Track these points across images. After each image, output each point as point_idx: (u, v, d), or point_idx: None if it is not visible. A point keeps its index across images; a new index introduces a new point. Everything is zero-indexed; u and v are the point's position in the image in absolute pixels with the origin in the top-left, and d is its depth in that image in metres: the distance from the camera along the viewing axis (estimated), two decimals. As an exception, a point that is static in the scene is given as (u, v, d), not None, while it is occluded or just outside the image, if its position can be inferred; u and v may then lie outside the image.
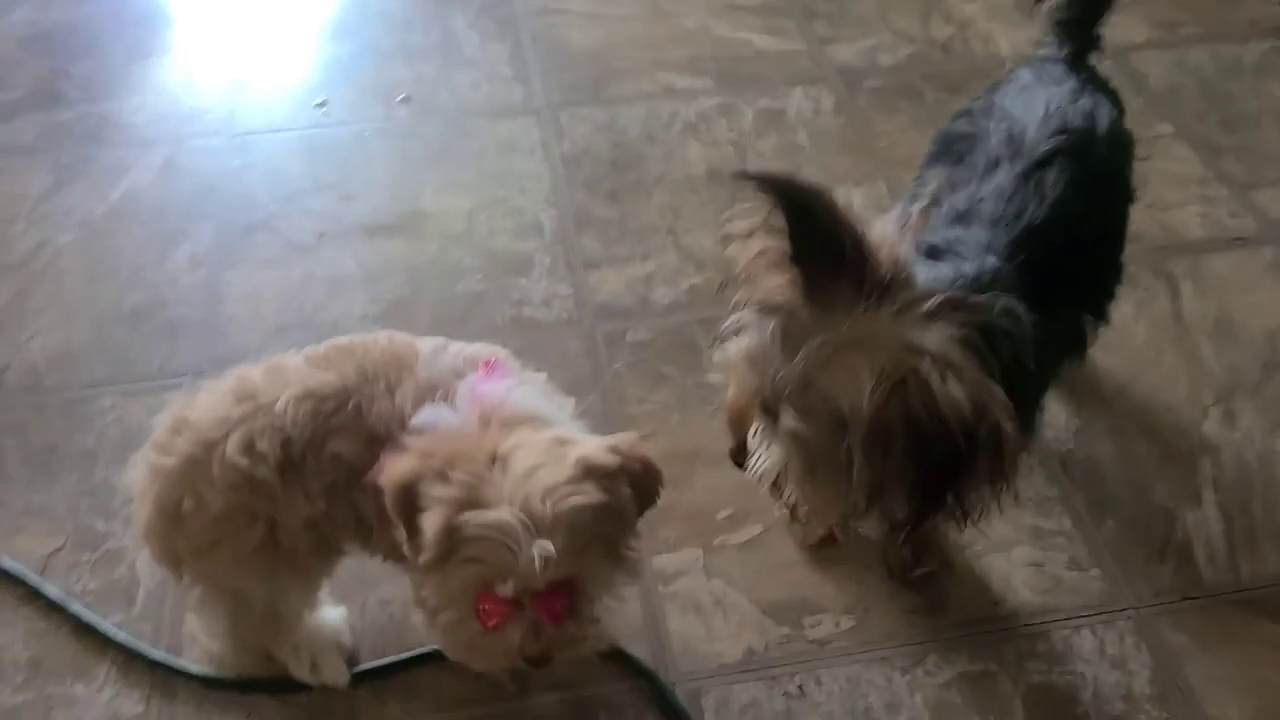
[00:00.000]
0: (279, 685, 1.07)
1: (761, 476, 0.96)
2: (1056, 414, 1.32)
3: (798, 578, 1.18)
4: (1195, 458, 1.29)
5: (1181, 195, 1.63)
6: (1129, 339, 1.41)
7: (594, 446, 0.85)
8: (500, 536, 0.79)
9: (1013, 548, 1.20)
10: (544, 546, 0.78)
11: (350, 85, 1.83)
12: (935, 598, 1.16)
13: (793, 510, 1.12)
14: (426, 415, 0.88)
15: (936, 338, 0.84)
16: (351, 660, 1.09)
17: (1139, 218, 1.54)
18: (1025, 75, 1.16)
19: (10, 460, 1.27)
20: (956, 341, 0.84)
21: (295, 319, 1.44)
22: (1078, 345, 1.12)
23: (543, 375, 1.01)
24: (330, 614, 1.09)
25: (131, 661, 1.09)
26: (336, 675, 1.06)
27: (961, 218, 1.02)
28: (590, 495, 0.81)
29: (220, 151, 1.69)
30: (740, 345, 0.92)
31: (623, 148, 1.72)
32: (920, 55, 1.90)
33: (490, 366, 0.93)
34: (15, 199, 1.59)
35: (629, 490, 0.85)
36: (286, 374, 0.93)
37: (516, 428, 0.86)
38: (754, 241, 0.89)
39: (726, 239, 0.88)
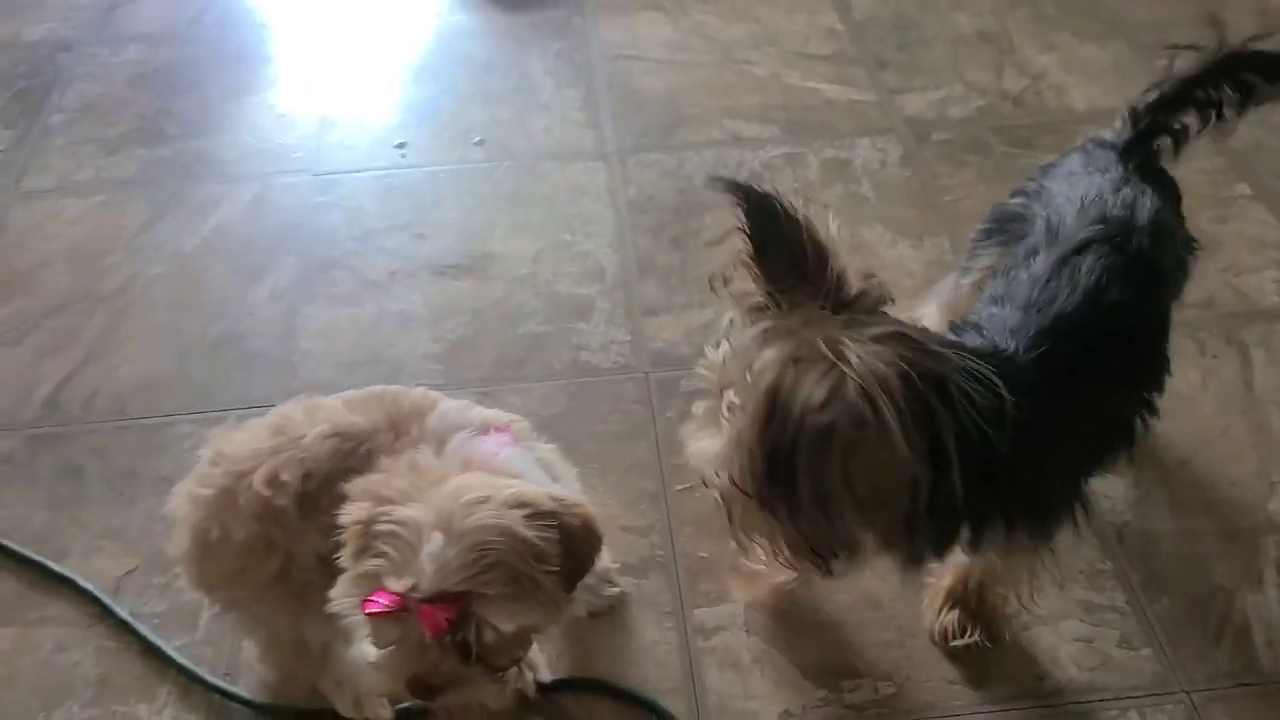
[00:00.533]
0: (326, 717, 1.11)
1: (693, 457, 0.91)
2: (1113, 484, 1.29)
3: (839, 639, 1.18)
4: (1258, 536, 1.25)
5: (1258, 259, 1.58)
6: (1195, 408, 1.38)
7: (536, 490, 0.88)
8: (405, 532, 0.83)
9: (1061, 621, 1.18)
10: (438, 545, 0.81)
11: (429, 127, 1.91)
12: (978, 669, 1.15)
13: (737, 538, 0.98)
14: (411, 458, 0.92)
15: (868, 350, 0.78)
16: (395, 698, 1.12)
17: (1212, 282, 1.53)
18: (1074, 161, 1.15)
19: (92, 483, 1.35)
20: (888, 365, 0.78)
21: (365, 355, 1.50)
22: (1118, 436, 1.07)
23: (553, 447, 1.03)
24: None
25: (191, 685, 1.15)
26: (379, 712, 1.10)
27: (998, 300, 1.01)
28: (507, 520, 0.84)
29: (305, 189, 1.77)
30: (725, 346, 0.90)
31: (688, 194, 1.75)
32: (991, 108, 1.89)
33: (499, 430, 0.96)
34: (114, 231, 1.69)
35: (558, 537, 0.86)
36: (321, 412, 0.99)
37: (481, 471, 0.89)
38: (731, 242, 0.88)
39: (710, 243, 0.87)
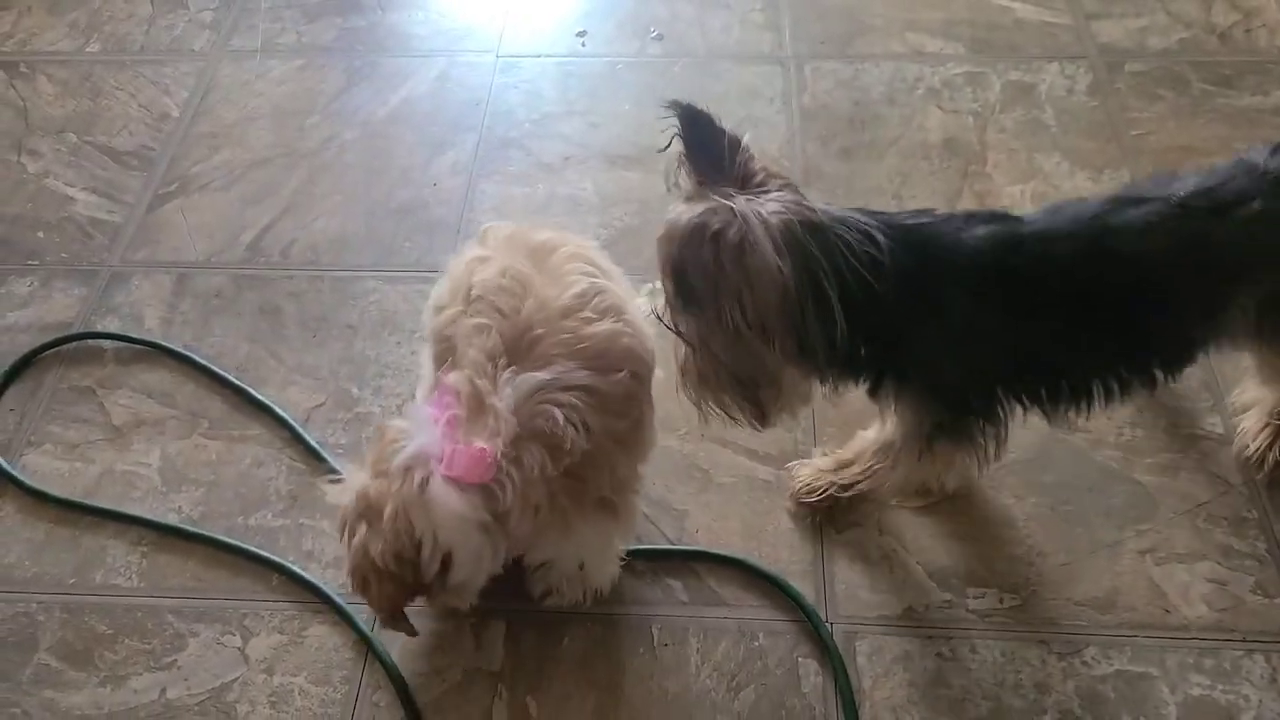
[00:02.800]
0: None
1: (653, 309, 1.05)
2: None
3: (969, 550, 1.22)
4: None
5: None
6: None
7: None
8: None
9: (1197, 561, 1.19)
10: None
11: (609, 19, 1.94)
12: (1107, 594, 1.17)
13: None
14: None
15: (757, 201, 0.94)
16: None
17: None
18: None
19: (289, 323, 1.48)
20: (771, 209, 0.93)
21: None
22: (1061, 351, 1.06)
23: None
24: None
25: (369, 509, 1.28)
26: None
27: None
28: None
29: (488, 69, 1.84)
30: None
31: (862, 106, 1.74)
32: (1194, 41, 1.80)
33: None
34: (313, 94, 1.81)
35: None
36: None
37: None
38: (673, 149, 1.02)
39: (660, 150, 1.02)
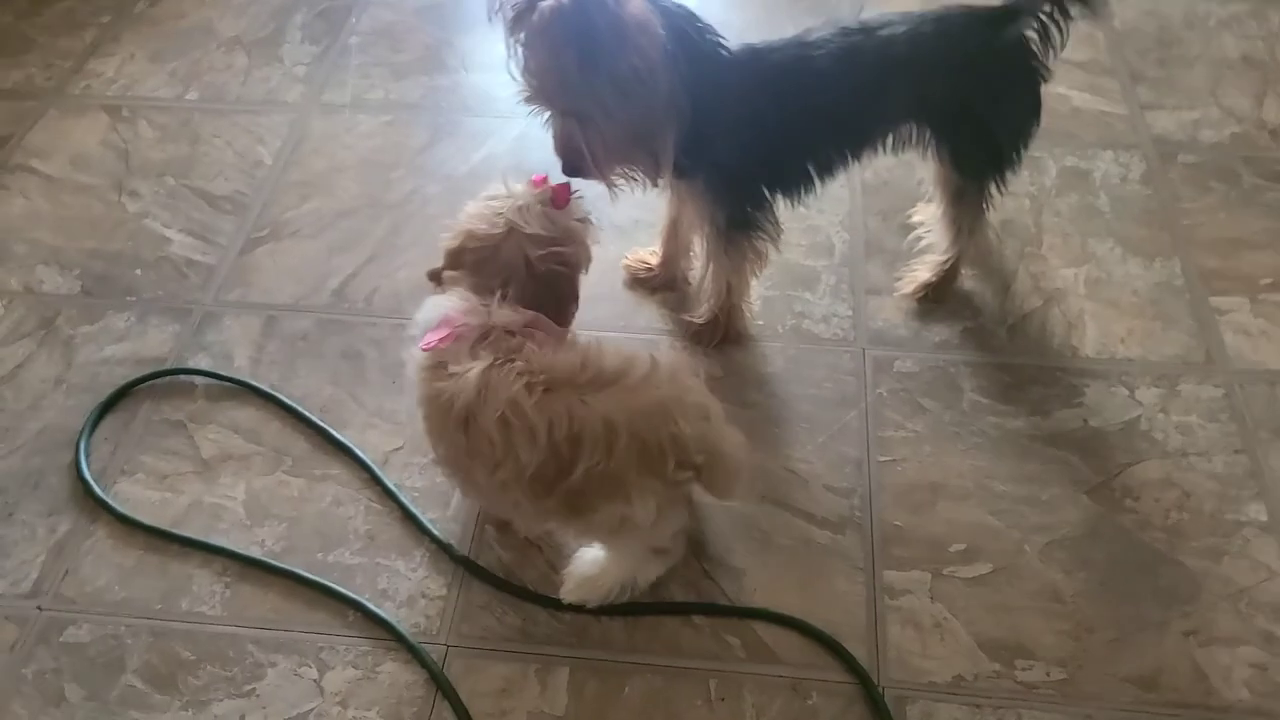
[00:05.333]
0: (554, 602, 1.28)
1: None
2: (1317, 529, 1.32)
3: (1017, 622, 1.26)
4: None
5: None
6: None
7: None
8: None
9: (1239, 645, 1.23)
10: None
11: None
12: (1151, 672, 1.21)
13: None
14: None
15: None
16: (611, 592, 1.27)
17: None
18: None
19: (371, 368, 1.56)
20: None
21: (605, 291, 1.64)
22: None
23: None
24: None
25: (440, 553, 1.34)
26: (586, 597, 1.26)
27: None
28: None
29: (562, 132, 1.93)
30: None
31: (923, 184, 1.80)
32: (1245, 136, 1.86)
33: None
34: (399, 148, 1.90)
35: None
36: None
37: None
38: None
39: None
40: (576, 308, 1.32)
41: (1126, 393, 1.49)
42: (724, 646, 1.25)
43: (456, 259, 1.25)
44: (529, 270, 1.22)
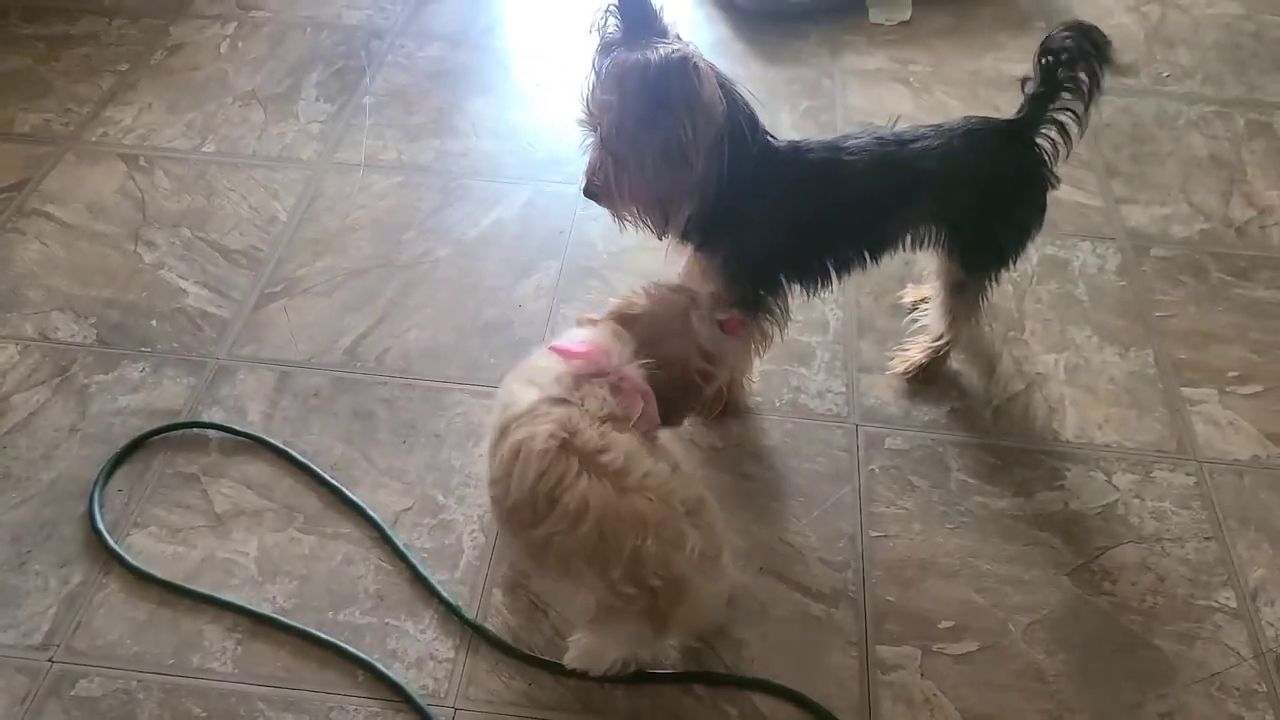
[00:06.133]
0: (558, 667, 1.32)
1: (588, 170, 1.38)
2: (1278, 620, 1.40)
3: (1003, 700, 1.33)
4: None
5: None
6: (1373, 563, 1.46)
7: None
8: None
9: (1211, 729, 1.31)
10: None
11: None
12: (1127, 753, 1.28)
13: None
14: None
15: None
16: (616, 664, 1.32)
17: None
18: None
19: (382, 427, 1.60)
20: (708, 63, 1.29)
21: (608, 360, 1.71)
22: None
23: None
24: None
25: (449, 614, 1.38)
26: (590, 666, 1.30)
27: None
28: None
29: (571, 200, 2.00)
30: None
31: (910, 266, 1.89)
32: (1213, 234, 1.98)
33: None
34: (410, 209, 1.96)
35: None
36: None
37: None
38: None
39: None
40: (684, 418, 1.41)
41: (1104, 477, 1.58)
42: (722, 716, 1.30)
43: (628, 322, 1.32)
44: (681, 369, 1.32)
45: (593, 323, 1.34)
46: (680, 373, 1.32)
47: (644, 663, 1.31)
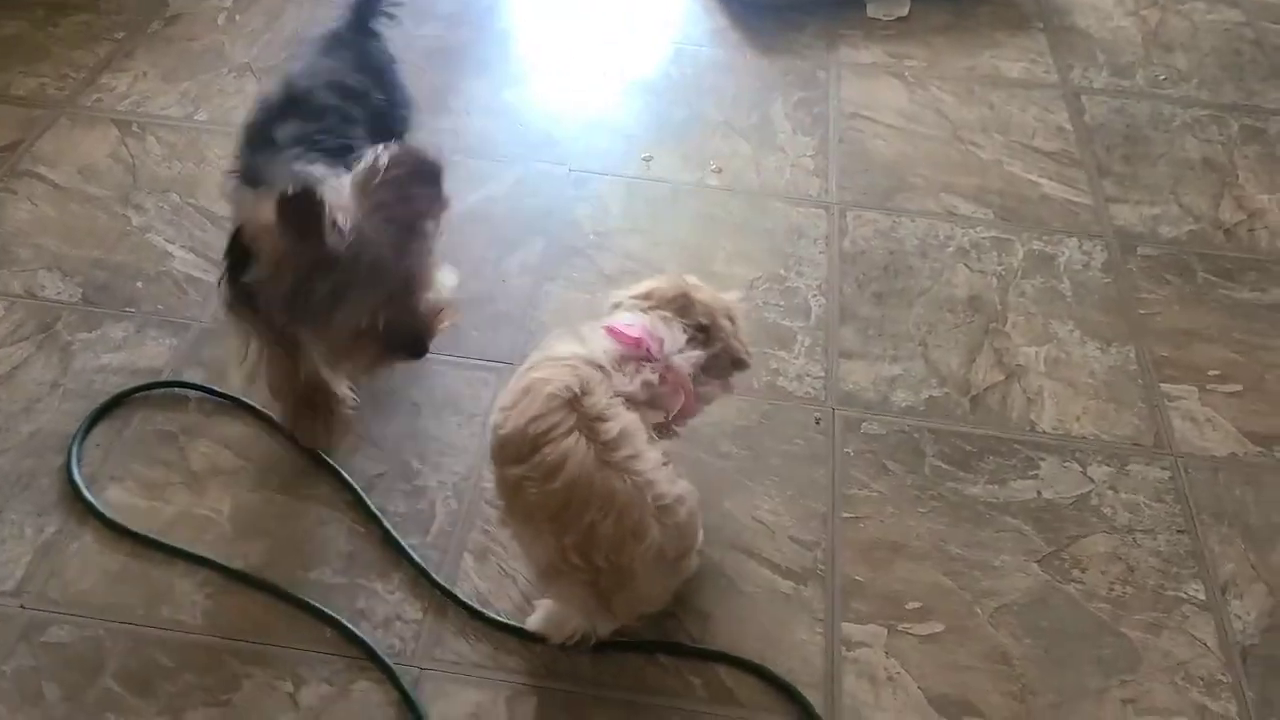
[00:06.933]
0: (524, 633, 1.33)
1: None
2: (1249, 607, 1.40)
3: (966, 681, 1.33)
4: (1380, 690, 1.33)
5: None
6: (1343, 560, 1.46)
7: None
8: None
9: (1174, 716, 1.30)
10: None
11: (674, 148, 2.12)
12: (1087, 737, 1.28)
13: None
14: None
15: None
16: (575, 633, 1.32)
17: None
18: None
19: (360, 393, 1.60)
20: None
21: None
22: None
23: None
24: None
25: (418, 577, 1.39)
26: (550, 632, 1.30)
27: None
28: None
29: (560, 180, 2.01)
30: None
31: (897, 256, 1.91)
32: (1201, 234, 1.98)
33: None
34: (400, 185, 1.97)
35: None
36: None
37: None
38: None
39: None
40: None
41: (1080, 468, 1.58)
42: (686, 686, 1.30)
43: (684, 310, 1.34)
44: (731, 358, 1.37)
45: (646, 308, 1.34)
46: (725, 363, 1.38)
47: (602, 636, 1.31)
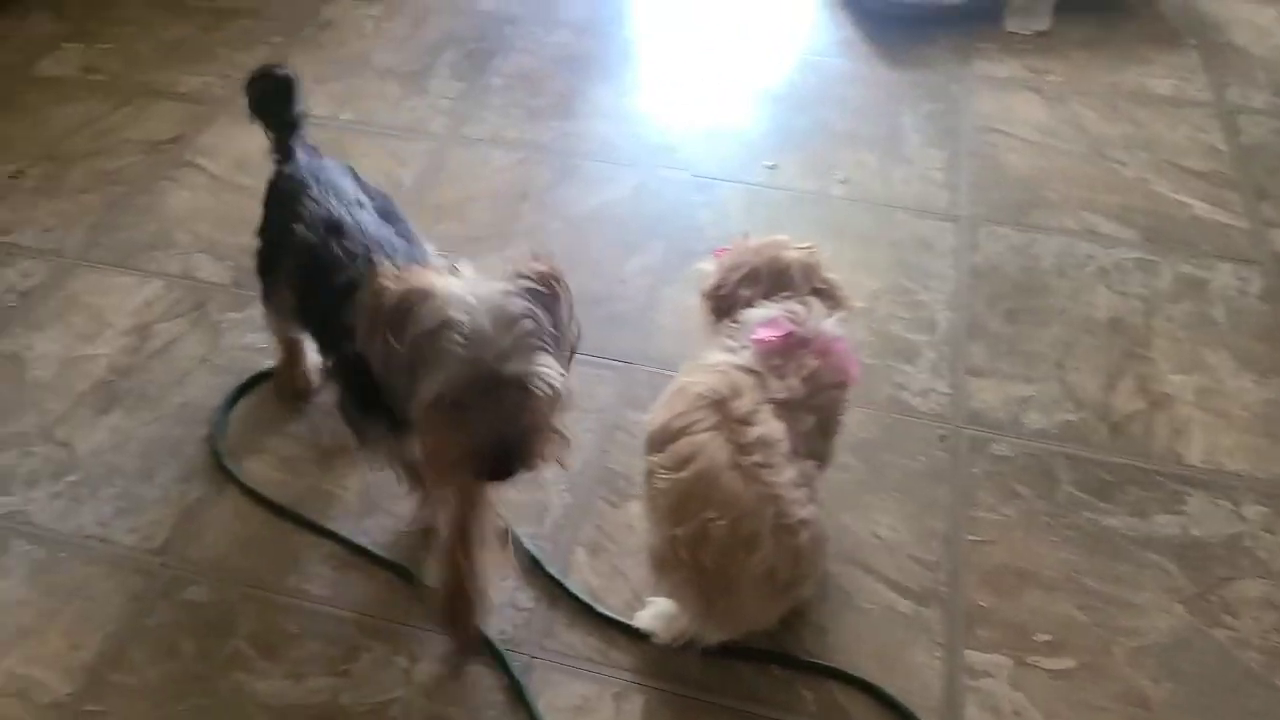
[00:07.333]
0: (635, 631, 1.30)
1: None
2: None
3: (1099, 720, 1.24)
4: None
5: None
6: None
7: None
8: None
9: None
10: None
11: (798, 156, 2.08)
12: (1235, 793, 1.18)
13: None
14: None
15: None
16: (683, 634, 1.28)
17: None
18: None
19: (479, 386, 1.62)
20: None
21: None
22: None
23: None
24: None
25: (532, 567, 1.38)
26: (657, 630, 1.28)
27: None
28: None
29: (682, 185, 2.00)
30: None
31: (1032, 274, 1.82)
32: (1372, 264, 1.84)
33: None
34: (527, 184, 1.99)
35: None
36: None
37: None
38: None
39: None
40: None
41: (1231, 506, 1.47)
42: (797, 699, 1.25)
43: (782, 273, 1.31)
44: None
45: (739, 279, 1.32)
46: None
47: (710, 643, 1.27)
